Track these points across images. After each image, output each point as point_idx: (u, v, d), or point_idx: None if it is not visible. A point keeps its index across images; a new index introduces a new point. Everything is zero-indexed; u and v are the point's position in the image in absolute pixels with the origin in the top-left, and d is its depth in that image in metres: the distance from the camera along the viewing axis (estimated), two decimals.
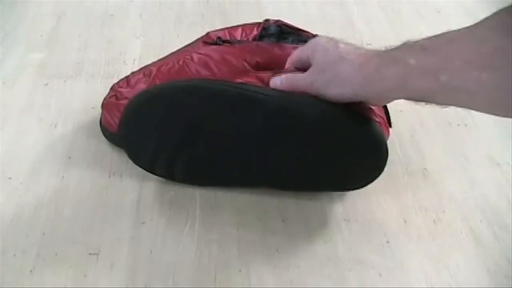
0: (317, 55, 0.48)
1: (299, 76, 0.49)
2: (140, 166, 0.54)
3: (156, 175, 0.54)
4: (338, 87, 0.46)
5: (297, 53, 0.52)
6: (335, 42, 0.48)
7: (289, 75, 0.50)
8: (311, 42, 0.50)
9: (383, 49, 0.46)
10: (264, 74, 0.53)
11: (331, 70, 0.46)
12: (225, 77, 0.58)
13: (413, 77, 0.41)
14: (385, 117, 0.54)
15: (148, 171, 0.54)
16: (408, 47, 0.43)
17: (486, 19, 0.39)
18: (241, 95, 0.48)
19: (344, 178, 0.52)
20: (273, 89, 0.50)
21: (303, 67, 0.50)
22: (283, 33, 0.66)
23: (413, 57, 0.41)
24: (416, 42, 0.43)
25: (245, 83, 0.52)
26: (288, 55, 0.59)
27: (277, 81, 0.51)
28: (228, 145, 0.51)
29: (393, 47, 0.45)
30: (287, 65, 0.54)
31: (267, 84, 0.51)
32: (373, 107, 0.51)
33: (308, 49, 0.50)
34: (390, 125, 0.54)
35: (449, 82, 0.39)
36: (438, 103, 0.42)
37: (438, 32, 0.41)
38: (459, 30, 0.40)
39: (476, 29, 0.39)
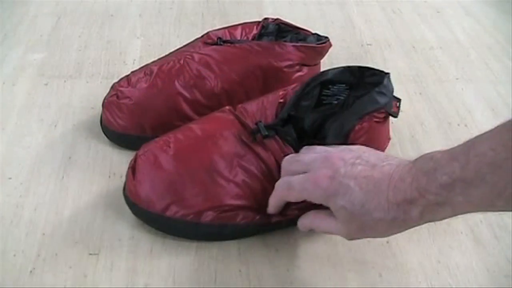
0: (345, 210, 0.42)
1: (330, 225, 0.44)
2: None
3: None
4: (377, 235, 0.43)
5: (299, 187, 0.45)
6: (348, 191, 0.41)
7: (316, 219, 0.46)
8: (323, 185, 0.43)
9: (411, 171, 0.39)
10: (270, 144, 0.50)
11: (368, 229, 0.42)
12: (226, 78, 0.59)
13: (463, 211, 0.38)
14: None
15: None
16: (448, 184, 0.36)
17: None
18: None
19: None
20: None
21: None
22: (282, 32, 0.66)
23: (460, 195, 0.36)
24: (451, 171, 0.36)
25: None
26: (288, 53, 0.59)
27: (306, 224, 0.47)
28: None
29: (422, 175, 0.38)
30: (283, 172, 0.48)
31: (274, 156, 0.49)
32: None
33: (322, 195, 0.43)
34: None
35: (505, 206, 0.36)
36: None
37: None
38: (496, 152, 0.34)
39: None
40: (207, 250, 0.50)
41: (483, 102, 0.68)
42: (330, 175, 0.43)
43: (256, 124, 0.50)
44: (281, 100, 0.53)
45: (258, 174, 0.49)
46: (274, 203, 0.48)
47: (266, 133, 0.49)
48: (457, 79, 0.72)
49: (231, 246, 0.50)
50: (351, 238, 0.44)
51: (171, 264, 0.48)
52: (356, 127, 0.49)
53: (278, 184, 0.47)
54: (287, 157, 0.48)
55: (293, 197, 0.46)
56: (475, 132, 0.34)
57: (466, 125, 0.64)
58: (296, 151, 0.49)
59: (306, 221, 0.47)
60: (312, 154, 0.46)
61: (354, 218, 0.41)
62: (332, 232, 0.45)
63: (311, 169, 0.45)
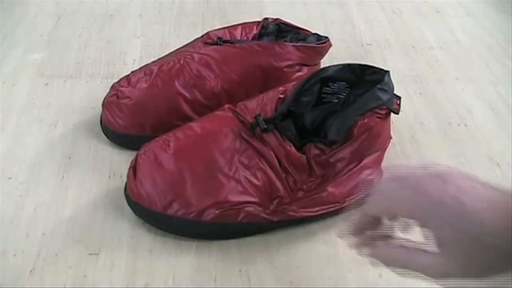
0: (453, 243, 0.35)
1: (423, 258, 0.38)
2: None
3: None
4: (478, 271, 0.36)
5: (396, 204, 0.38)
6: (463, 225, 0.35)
7: (403, 253, 0.39)
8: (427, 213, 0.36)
9: None
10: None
11: (471, 258, 0.35)
12: (226, 78, 0.59)
13: None
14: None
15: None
16: None
17: None
18: None
19: None
20: None
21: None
22: (282, 32, 0.66)
23: None
24: None
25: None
26: (288, 53, 0.60)
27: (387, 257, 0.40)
28: None
29: None
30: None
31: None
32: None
33: (428, 207, 0.36)
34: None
35: None
36: None
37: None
38: None
39: None
40: (207, 250, 0.50)
41: (483, 102, 0.68)
42: (441, 187, 0.36)
43: (255, 117, 0.50)
44: (281, 96, 0.53)
45: (258, 169, 0.49)
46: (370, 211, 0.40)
47: (265, 126, 0.49)
48: (457, 79, 0.72)
49: (231, 246, 0.50)
50: (446, 276, 0.36)
51: (171, 264, 0.48)
52: (359, 123, 0.49)
53: (376, 189, 0.39)
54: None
55: (396, 207, 0.38)
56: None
57: (466, 125, 0.64)
58: (296, 146, 0.49)
59: (388, 252, 0.40)
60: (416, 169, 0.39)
61: (459, 241, 0.35)
62: (424, 267, 0.38)
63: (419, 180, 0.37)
